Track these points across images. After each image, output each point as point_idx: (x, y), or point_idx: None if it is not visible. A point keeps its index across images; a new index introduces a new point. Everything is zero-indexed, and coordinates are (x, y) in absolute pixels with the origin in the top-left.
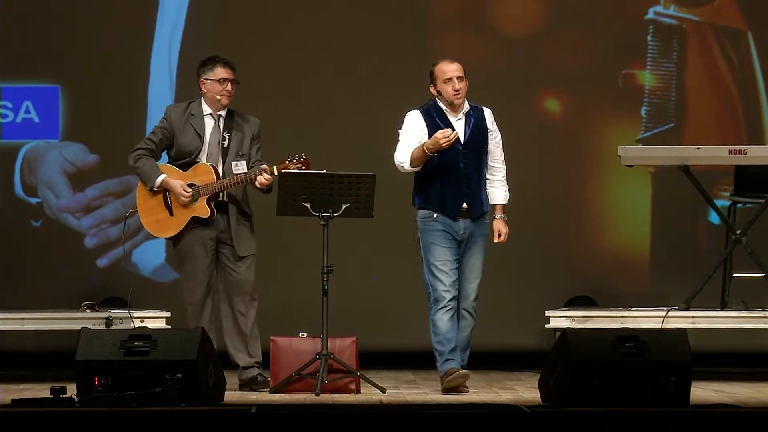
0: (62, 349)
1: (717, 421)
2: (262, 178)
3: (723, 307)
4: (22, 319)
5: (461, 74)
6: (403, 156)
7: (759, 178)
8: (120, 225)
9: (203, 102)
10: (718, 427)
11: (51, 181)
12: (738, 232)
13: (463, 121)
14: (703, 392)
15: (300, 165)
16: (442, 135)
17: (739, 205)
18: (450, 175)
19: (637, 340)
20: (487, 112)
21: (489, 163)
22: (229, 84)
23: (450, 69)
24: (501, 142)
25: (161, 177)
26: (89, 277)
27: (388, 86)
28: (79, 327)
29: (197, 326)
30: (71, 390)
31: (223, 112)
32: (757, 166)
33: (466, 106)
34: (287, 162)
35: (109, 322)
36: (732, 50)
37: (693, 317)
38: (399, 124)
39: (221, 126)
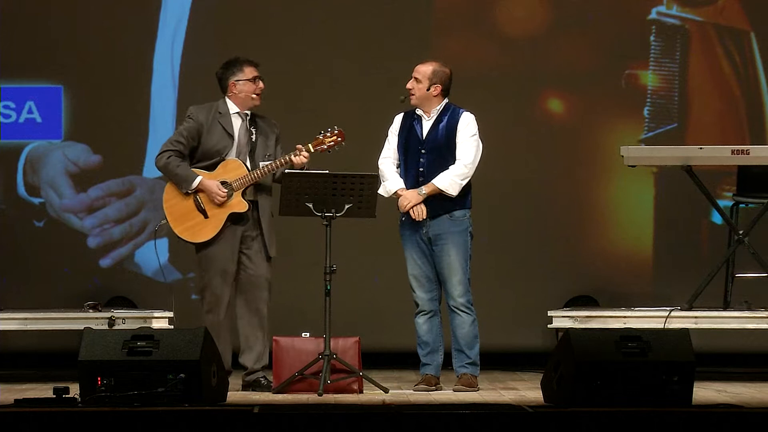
0: (65, 349)
1: (720, 421)
2: (300, 158)
3: (726, 307)
4: (25, 319)
5: (416, 75)
6: (382, 165)
7: (762, 178)
8: (124, 225)
9: (229, 101)
10: (720, 428)
11: (54, 181)
12: (741, 232)
13: (431, 123)
14: (705, 392)
15: (335, 137)
16: (403, 204)
17: (741, 205)
18: (411, 175)
19: (639, 340)
20: (465, 118)
21: None
22: (260, 81)
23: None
24: (469, 147)
25: (198, 179)
26: (92, 277)
27: (388, 87)
28: (82, 327)
29: (201, 326)
30: (74, 390)
31: (249, 111)
32: (759, 166)
33: (441, 108)
34: (321, 137)
35: (111, 322)
36: (735, 50)
37: (696, 317)
38: None
39: (248, 125)
